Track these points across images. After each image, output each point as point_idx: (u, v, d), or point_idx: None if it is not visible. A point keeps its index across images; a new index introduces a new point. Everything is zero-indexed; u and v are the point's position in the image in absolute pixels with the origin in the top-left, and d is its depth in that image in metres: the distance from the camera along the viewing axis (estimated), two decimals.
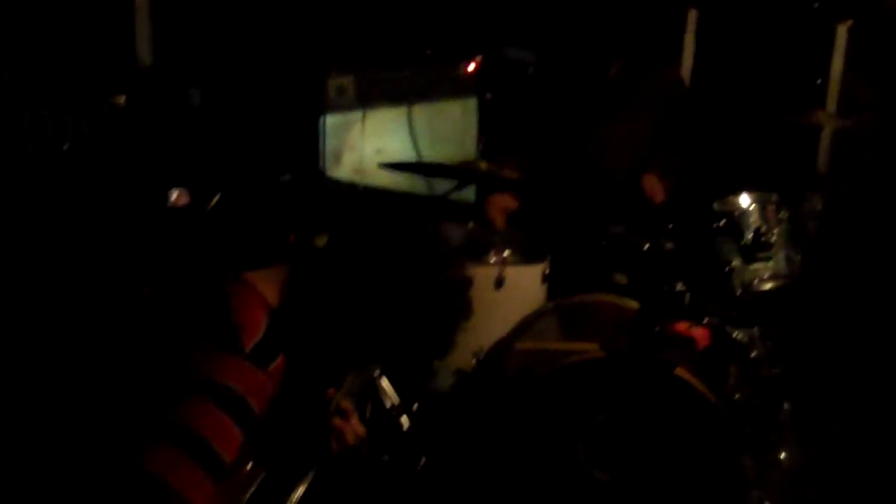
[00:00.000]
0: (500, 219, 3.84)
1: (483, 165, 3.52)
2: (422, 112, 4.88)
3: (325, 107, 4.87)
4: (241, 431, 1.96)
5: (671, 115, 3.95)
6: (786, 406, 3.46)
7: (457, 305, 2.39)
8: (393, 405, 2.56)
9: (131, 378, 2.05)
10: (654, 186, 3.79)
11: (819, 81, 4.74)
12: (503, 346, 3.26)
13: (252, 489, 2.07)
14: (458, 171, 3.67)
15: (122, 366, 2.12)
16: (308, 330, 2.15)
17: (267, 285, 2.14)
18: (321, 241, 2.23)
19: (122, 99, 4.19)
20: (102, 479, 1.86)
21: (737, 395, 3.41)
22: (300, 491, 2.16)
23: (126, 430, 1.91)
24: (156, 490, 1.81)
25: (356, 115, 4.87)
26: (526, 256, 3.42)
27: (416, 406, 2.98)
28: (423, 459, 2.76)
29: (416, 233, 2.28)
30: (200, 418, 1.90)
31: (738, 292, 3.32)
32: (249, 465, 2.08)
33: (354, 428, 2.22)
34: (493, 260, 3.32)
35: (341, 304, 2.16)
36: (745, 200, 3.38)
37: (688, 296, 3.36)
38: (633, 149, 3.91)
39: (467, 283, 2.42)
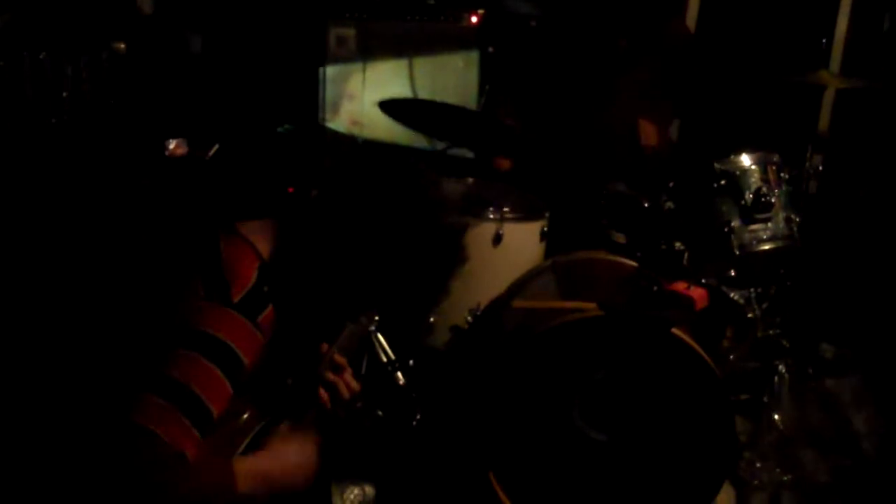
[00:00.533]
0: (506, 163, 3.85)
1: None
2: (423, 64, 4.85)
3: (326, 57, 4.85)
4: (230, 382, 1.96)
5: (673, 66, 3.93)
6: (781, 368, 3.46)
7: (451, 254, 2.39)
8: (389, 361, 2.56)
9: (119, 328, 2.05)
10: (647, 131, 3.78)
11: (823, 41, 4.70)
12: (500, 303, 3.26)
13: (247, 439, 2.08)
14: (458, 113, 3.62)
15: (111, 315, 2.12)
16: (301, 281, 2.15)
17: (259, 237, 2.14)
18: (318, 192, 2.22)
19: (121, 46, 4.16)
20: (91, 432, 1.87)
21: (732, 356, 3.42)
22: None
23: (114, 381, 1.91)
24: (145, 441, 1.82)
25: (357, 67, 4.85)
26: (524, 213, 3.41)
27: (411, 362, 2.99)
28: (419, 415, 2.77)
29: (411, 181, 2.27)
30: (187, 369, 1.90)
31: (737, 252, 3.31)
32: (245, 416, 2.09)
33: (348, 382, 2.23)
34: (491, 216, 3.31)
35: (335, 253, 2.16)
36: (746, 160, 3.37)
37: (686, 255, 3.36)
38: (637, 105, 3.90)
39: (461, 231, 2.41)
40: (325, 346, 2.23)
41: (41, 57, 3.87)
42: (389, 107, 3.64)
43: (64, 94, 3.91)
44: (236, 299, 2.00)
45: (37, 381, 2.19)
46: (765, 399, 3.44)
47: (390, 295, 2.30)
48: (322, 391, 2.21)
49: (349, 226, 2.15)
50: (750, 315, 3.44)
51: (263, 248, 2.13)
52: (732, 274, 3.47)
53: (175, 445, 1.84)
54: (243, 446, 2.06)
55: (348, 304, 2.29)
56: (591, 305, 2.87)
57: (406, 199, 2.20)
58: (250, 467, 2.00)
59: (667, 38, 3.98)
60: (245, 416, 2.11)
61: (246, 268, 2.06)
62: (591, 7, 3.91)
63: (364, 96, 4.85)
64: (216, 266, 2.03)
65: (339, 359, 2.24)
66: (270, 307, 2.07)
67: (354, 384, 2.25)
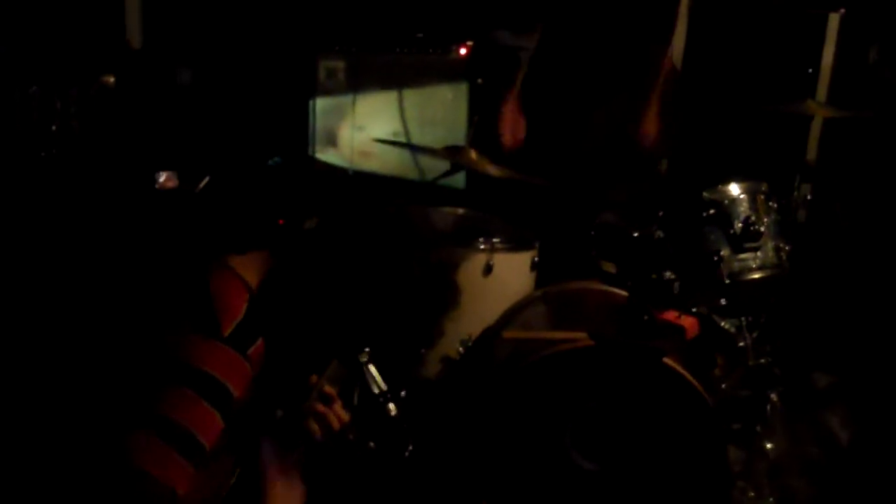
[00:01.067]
0: (509, 138, 3.85)
1: (473, 155, 3.49)
2: (412, 96, 4.87)
3: (316, 90, 4.86)
4: (221, 416, 1.96)
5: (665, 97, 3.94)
6: (772, 397, 3.46)
7: (441, 291, 2.39)
8: (380, 392, 2.55)
9: (110, 365, 2.05)
10: (648, 128, 3.80)
11: (810, 70, 4.73)
12: (491, 333, 3.25)
13: (233, 480, 2.07)
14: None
15: (102, 352, 2.12)
16: (290, 312, 2.15)
17: (248, 269, 2.14)
18: (311, 224, 2.23)
19: (111, 79, 4.17)
20: (85, 472, 1.86)
21: (724, 385, 3.42)
22: None
23: (106, 419, 1.91)
24: (138, 480, 1.81)
25: (346, 99, 4.86)
26: (515, 243, 3.41)
27: (403, 393, 2.98)
28: (411, 447, 2.76)
29: (400, 217, 2.29)
30: (179, 406, 1.90)
31: (727, 281, 3.31)
32: (231, 459, 2.09)
33: (338, 413, 2.22)
34: (481, 246, 3.31)
35: (326, 287, 2.16)
36: (734, 189, 3.38)
37: (676, 284, 3.36)
38: (624, 124, 3.91)
39: (452, 268, 2.42)
40: (314, 378, 2.23)
41: (31, 90, 3.87)
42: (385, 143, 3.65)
43: (53, 128, 3.92)
44: (226, 332, 2.00)
45: (27, 419, 2.18)
46: (757, 428, 3.44)
47: (378, 326, 2.30)
48: (312, 423, 2.20)
49: (337, 258, 2.16)
50: (741, 344, 3.45)
51: (252, 280, 2.13)
52: (723, 303, 3.47)
53: (168, 483, 1.84)
54: (233, 481, 2.06)
55: (336, 336, 2.29)
56: (582, 335, 2.87)
57: (391, 235, 2.22)
58: None
59: (654, 67, 3.99)
60: (230, 459, 2.11)
61: (235, 301, 2.06)
62: (579, 37, 3.94)
63: (354, 128, 4.87)
64: (205, 300, 2.03)
65: (329, 390, 2.23)
66: (261, 340, 2.07)
67: (344, 415, 2.24)
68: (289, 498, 2.10)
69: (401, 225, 2.23)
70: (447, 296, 3.03)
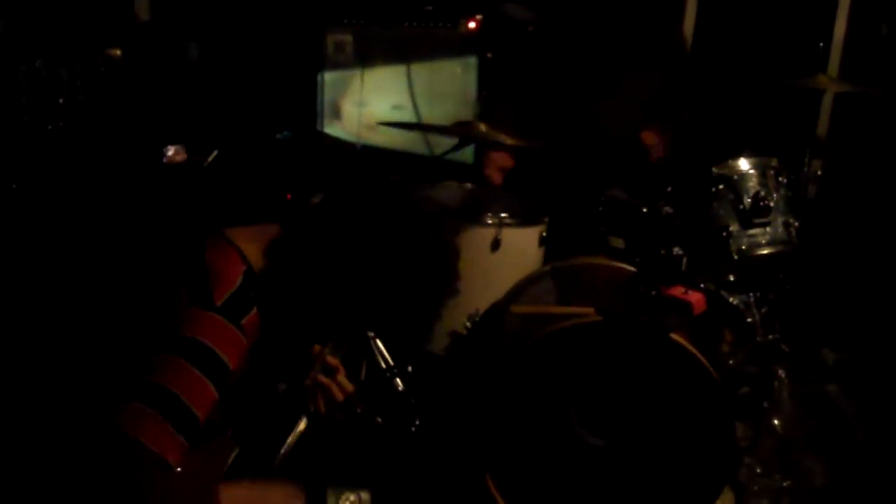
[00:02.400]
0: (498, 176, 3.83)
1: (482, 127, 3.48)
2: (421, 70, 4.85)
3: (324, 64, 4.85)
4: (214, 386, 1.96)
5: (673, 74, 3.92)
6: (780, 373, 3.46)
7: (443, 269, 2.38)
8: (388, 367, 2.55)
9: (104, 332, 2.05)
10: (653, 141, 3.78)
11: (821, 45, 4.70)
12: (499, 309, 3.25)
13: (232, 457, 2.07)
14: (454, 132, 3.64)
15: (96, 319, 2.12)
16: (293, 285, 2.15)
17: (248, 242, 2.14)
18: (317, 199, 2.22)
19: (117, 52, 4.16)
20: (77, 441, 1.87)
21: (731, 361, 3.42)
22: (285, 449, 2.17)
23: (98, 387, 1.91)
24: (129, 449, 1.82)
25: (355, 73, 4.84)
26: (523, 218, 3.40)
27: (410, 368, 2.98)
28: (418, 421, 2.76)
29: (404, 196, 2.28)
30: (172, 375, 1.90)
31: (736, 257, 3.30)
32: (228, 433, 2.10)
33: (341, 383, 2.22)
34: (489, 221, 3.30)
35: (328, 258, 2.16)
36: (744, 165, 3.36)
37: (685, 260, 3.35)
38: (635, 110, 3.89)
39: (455, 248, 2.41)
40: (316, 349, 2.23)
41: (37, 63, 3.87)
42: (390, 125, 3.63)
43: (60, 101, 3.91)
44: (219, 302, 2.00)
45: (20, 386, 2.19)
46: (765, 404, 3.43)
47: (382, 302, 2.30)
48: (316, 396, 2.20)
49: (342, 232, 2.15)
50: (749, 320, 3.44)
51: (252, 251, 2.13)
52: (731, 279, 3.46)
53: (159, 451, 1.84)
54: (232, 458, 2.06)
55: (339, 309, 2.29)
56: (590, 311, 2.87)
57: (395, 214, 2.21)
58: (235, 494, 2.00)
59: (666, 44, 3.97)
60: (228, 433, 2.11)
61: (230, 271, 2.07)
62: (590, 12, 3.91)
63: (362, 102, 4.85)
64: (200, 270, 2.03)
65: (332, 360, 2.23)
66: (255, 310, 2.07)
67: (348, 385, 2.24)
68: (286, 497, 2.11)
69: (403, 197, 2.22)
70: (451, 271, 3.03)
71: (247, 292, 2.05)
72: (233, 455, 2.06)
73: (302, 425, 2.20)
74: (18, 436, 2.04)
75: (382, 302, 2.27)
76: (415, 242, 2.22)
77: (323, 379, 2.21)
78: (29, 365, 2.27)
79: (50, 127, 3.91)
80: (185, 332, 1.95)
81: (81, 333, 2.14)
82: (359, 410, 2.31)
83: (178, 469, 1.87)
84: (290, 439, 2.18)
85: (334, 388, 2.21)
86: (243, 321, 2.04)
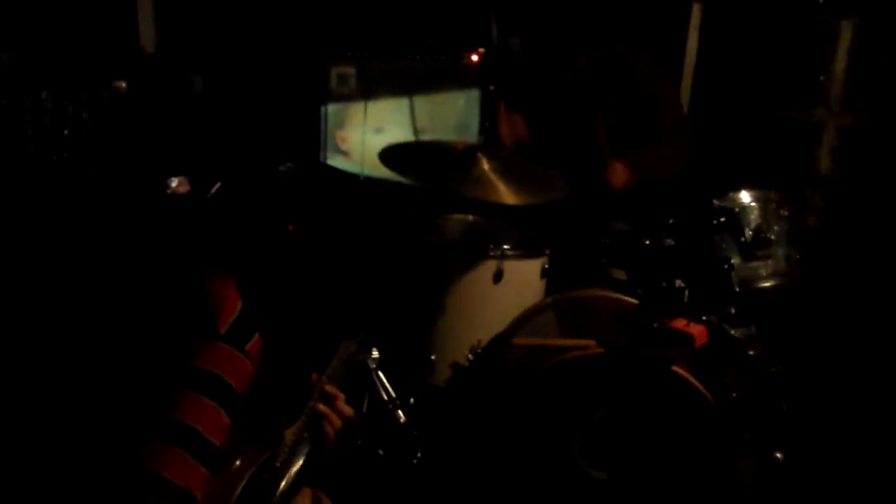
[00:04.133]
0: (508, 135, 3.86)
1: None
2: (424, 103, 4.87)
3: (328, 96, 4.86)
4: (227, 413, 1.98)
5: (644, 106, 3.92)
6: (783, 406, 3.45)
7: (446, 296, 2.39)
8: (390, 398, 2.56)
9: (115, 372, 2.06)
10: (616, 172, 3.79)
11: (822, 78, 4.73)
12: (501, 340, 3.26)
13: (243, 482, 2.08)
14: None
15: (105, 357, 2.14)
16: (289, 309, 2.17)
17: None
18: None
19: (123, 84, 4.18)
20: (101, 481, 1.88)
21: (734, 394, 3.41)
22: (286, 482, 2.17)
23: (116, 428, 1.93)
24: (154, 485, 1.83)
25: (358, 105, 4.86)
26: (525, 250, 3.41)
27: (412, 400, 2.99)
28: (420, 453, 2.77)
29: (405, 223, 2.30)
30: (186, 408, 1.92)
31: (737, 290, 3.31)
32: (238, 461, 2.10)
33: (341, 410, 2.23)
34: (491, 253, 3.31)
35: (319, 279, 2.18)
36: (745, 197, 3.38)
37: (687, 292, 3.36)
38: (602, 139, 3.91)
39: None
40: (314, 377, 2.24)
41: (42, 95, 3.88)
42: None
43: (65, 133, 3.92)
44: (223, 330, 2.02)
45: (39, 429, 2.20)
46: (767, 437, 3.43)
47: (380, 324, 2.32)
48: (319, 426, 2.21)
49: (341, 258, 2.17)
50: (751, 352, 3.44)
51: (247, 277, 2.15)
52: (733, 311, 3.47)
53: (184, 484, 1.85)
54: (239, 489, 2.07)
55: (337, 332, 2.30)
56: (592, 343, 2.87)
57: (399, 239, 2.23)
58: None
59: (631, 75, 3.95)
60: (238, 461, 2.12)
61: (230, 298, 2.08)
62: (559, 31, 3.95)
63: (365, 134, 4.86)
64: (201, 300, 2.05)
65: (330, 388, 2.24)
66: (258, 335, 2.09)
67: (348, 410, 2.25)
68: None
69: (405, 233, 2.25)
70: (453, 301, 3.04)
71: (248, 318, 2.07)
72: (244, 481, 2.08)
73: (300, 462, 2.20)
74: (40, 476, 2.05)
75: (382, 323, 2.29)
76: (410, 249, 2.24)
77: (322, 408, 2.22)
78: (43, 406, 2.29)
79: (55, 158, 3.92)
80: (194, 363, 1.96)
81: (94, 371, 2.15)
82: (359, 442, 2.32)
83: (201, 499, 1.89)
84: (291, 470, 2.19)
85: (333, 417, 2.22)
86: (247, 346, 2.05)
